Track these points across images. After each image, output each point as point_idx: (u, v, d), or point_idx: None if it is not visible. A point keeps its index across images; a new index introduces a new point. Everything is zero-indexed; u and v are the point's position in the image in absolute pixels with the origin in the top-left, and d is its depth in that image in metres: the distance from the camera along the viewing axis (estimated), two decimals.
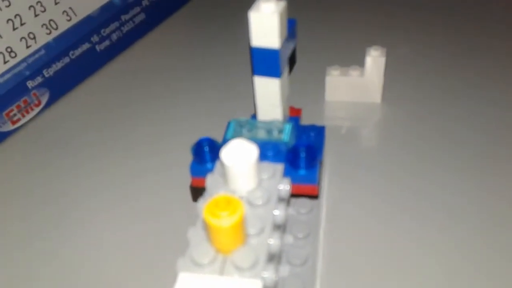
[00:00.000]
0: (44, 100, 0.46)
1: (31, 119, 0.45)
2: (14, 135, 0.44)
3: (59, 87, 0.47)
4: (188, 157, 0.32)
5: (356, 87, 0.43)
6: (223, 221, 0.23)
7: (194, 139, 0.31)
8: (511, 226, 0.33)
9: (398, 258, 0.32)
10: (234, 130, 0.32)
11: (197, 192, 0.30)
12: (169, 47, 0.53)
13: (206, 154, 0.31)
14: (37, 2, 0.43)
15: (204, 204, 0.25)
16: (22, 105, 0.44)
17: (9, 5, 0.41)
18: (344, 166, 0.38)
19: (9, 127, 0.44)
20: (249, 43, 0.30)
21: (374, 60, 0.40)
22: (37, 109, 0.45)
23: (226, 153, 0.26)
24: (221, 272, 0.23)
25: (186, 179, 0.32)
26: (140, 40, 0.53)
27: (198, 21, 0.57)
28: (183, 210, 0.34)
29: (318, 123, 0.36)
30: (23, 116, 0.44)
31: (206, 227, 0.24)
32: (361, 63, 0.41)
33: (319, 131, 0.35)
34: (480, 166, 0.37)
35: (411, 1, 0.56)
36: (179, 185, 0.36)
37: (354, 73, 0.42)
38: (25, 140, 0.44)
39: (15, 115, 0.44)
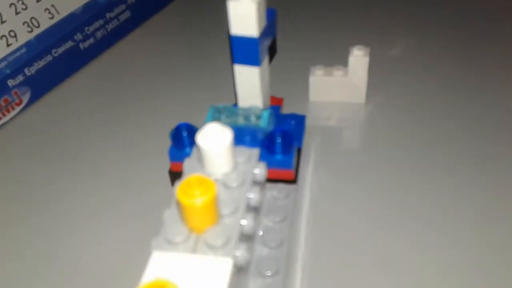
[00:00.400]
0: (25, 99, 0.45)
1: (12, 118, 0.45)
2: None
3: (41, 86, 0.46)
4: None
5: (340, 87, 0.42)
6: (196, 200, 0.22)
7: None
8: (498, 219, 0.33)
9: (377, 243, 0.32)
10: (212, 116, 0.32)
11: (176, 176, 0.29)
12: (154, 45, 0.53)
13: (184, 139, 0.31)
14: (18, 0, 0.43)
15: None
16: (3, 104, 0.44)
17: None
18: (328, 163, 0.37)
19: None
20: (228, 32, 0.30)
21: (358, 60, 0.40)
22: (18, 108, 0.45)
23: (202, 137, 0.26)
24: (194, 250, 0.23)
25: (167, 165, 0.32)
26: (125, 38, 0.53)
27: (183, 19, 0.57)
28: (162, 195, 0.34)
29: None
30: (4, 115, 0.44)
31: (180, 207, 0.24)
32: (345, 63, 0.41)
33: (300, 119, 0.34)
34: (462, 164, 0.37)
35: (397, 0, 0.56)
36: (160, 172, 0.36)
37: (338, 73, 0.42)
38: (6, 139, 0.43)
39: None
